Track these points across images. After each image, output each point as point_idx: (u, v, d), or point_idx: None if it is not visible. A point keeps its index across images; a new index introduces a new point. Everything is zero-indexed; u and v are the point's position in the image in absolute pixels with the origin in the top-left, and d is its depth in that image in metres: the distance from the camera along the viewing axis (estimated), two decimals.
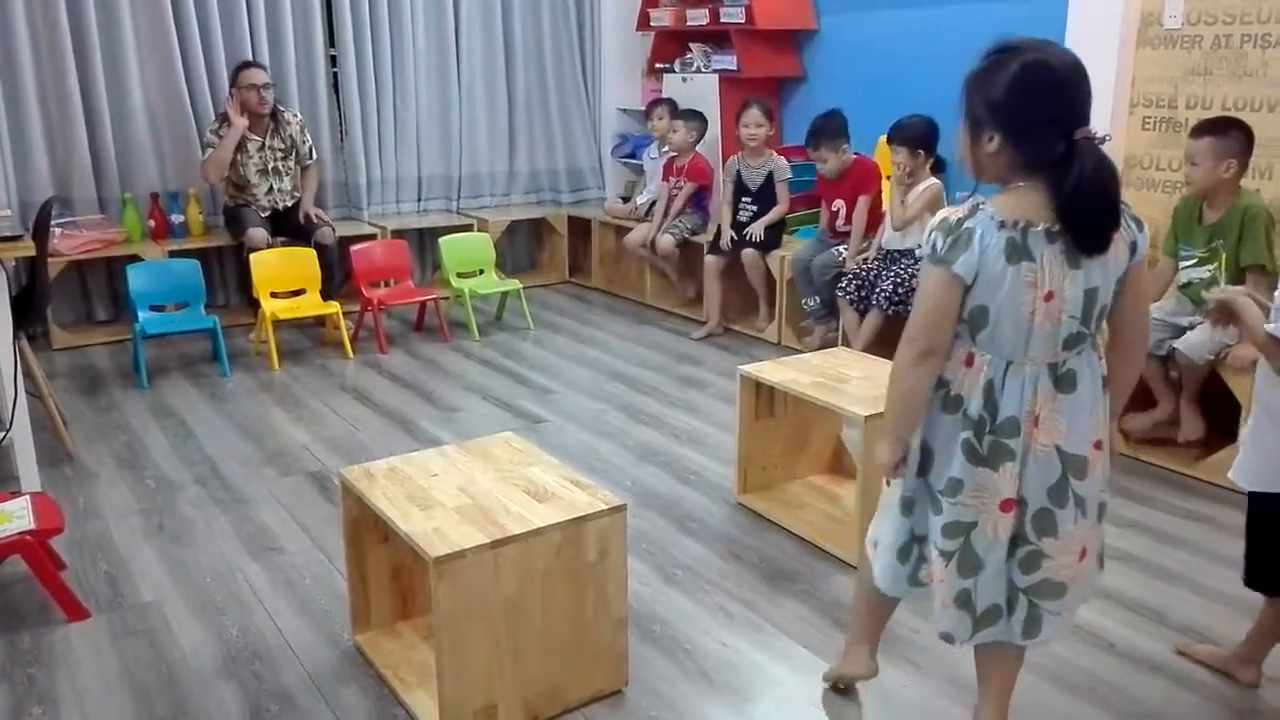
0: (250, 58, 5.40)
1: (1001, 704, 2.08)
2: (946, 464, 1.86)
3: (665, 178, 5.68)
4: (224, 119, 5.14)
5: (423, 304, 5.39)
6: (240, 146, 5.14)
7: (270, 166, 5.27)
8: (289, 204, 5.36)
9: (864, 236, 4.71)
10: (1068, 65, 1.73)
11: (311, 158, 5.40)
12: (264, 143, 5.22)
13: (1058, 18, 4.35)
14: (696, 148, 5.58)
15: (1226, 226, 3.49)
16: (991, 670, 2.07)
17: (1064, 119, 1.71)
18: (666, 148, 5.67)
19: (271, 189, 5.30)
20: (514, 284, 5.49)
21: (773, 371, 3.22)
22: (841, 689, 2.35)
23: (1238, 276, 3.44)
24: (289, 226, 5.30)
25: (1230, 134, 3.46)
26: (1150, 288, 1.76)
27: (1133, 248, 1.78)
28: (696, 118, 5.58)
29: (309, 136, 5.40)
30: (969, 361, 1.82)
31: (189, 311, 4.76)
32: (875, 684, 2.36)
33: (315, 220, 5.29)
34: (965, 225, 1.74)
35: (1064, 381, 1.81)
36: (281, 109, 5.29)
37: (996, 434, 1.81)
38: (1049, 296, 1.73)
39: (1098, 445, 1.87)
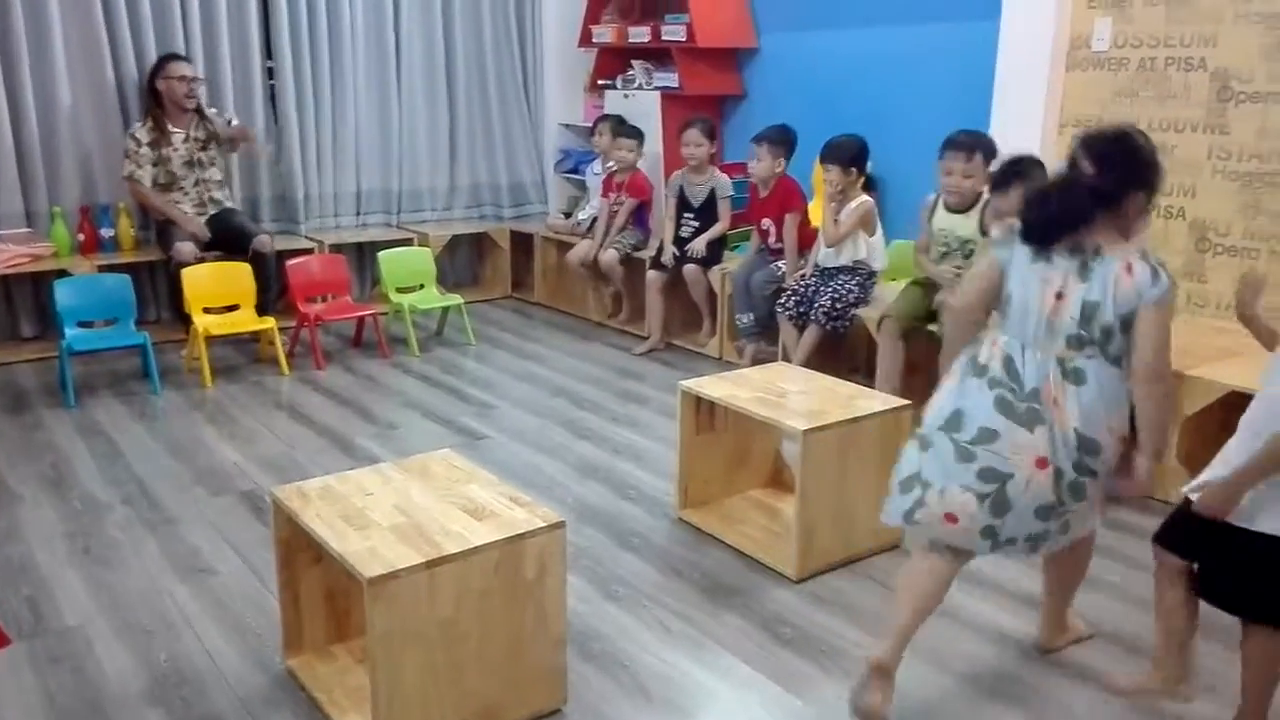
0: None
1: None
2: (975, 417, 2.18)
3: (605, 194, 5.69)
4: (151, 121, 5.03)
5: (361, 319, 5.32)
6: (166, 142, 5.08)
7: (194, 158, 5.20)
8: (219, 199, 5.28)
9: (800, 254, 4.76)
10: None
11: (232, 122, 5.35)
12: (188, 134, 5.15)
13: (990, 41, 4.45)
14: (638, 164, 5.60)
15: None
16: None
17: None
18: (611, 163, 5.68)
19: (199, 181, 5.22)
20: (455, 299, 5.44)
21: (713, 386, 3.23)
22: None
23: None
24: (223, 238, 5.20)
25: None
26: (1161, 335, 2.00)
27: (1140, 293, 2.08)
28: (638, 134, 5.60)
29: (227, 114, 5.39)
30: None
31: (118, 327, 4.64)
32: (812, 695, 2.37)
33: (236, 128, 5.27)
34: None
35: (1070, 375, 2.13)
36: (205, 107, 5.24)
37: (1028, 400, 2.14)
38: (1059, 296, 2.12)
39: (1118, 438, 2.18)
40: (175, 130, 5.09)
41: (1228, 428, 3.61)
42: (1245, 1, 3.84)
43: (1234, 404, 3.40)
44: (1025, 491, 2.16)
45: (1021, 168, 3.38)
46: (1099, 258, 2.11)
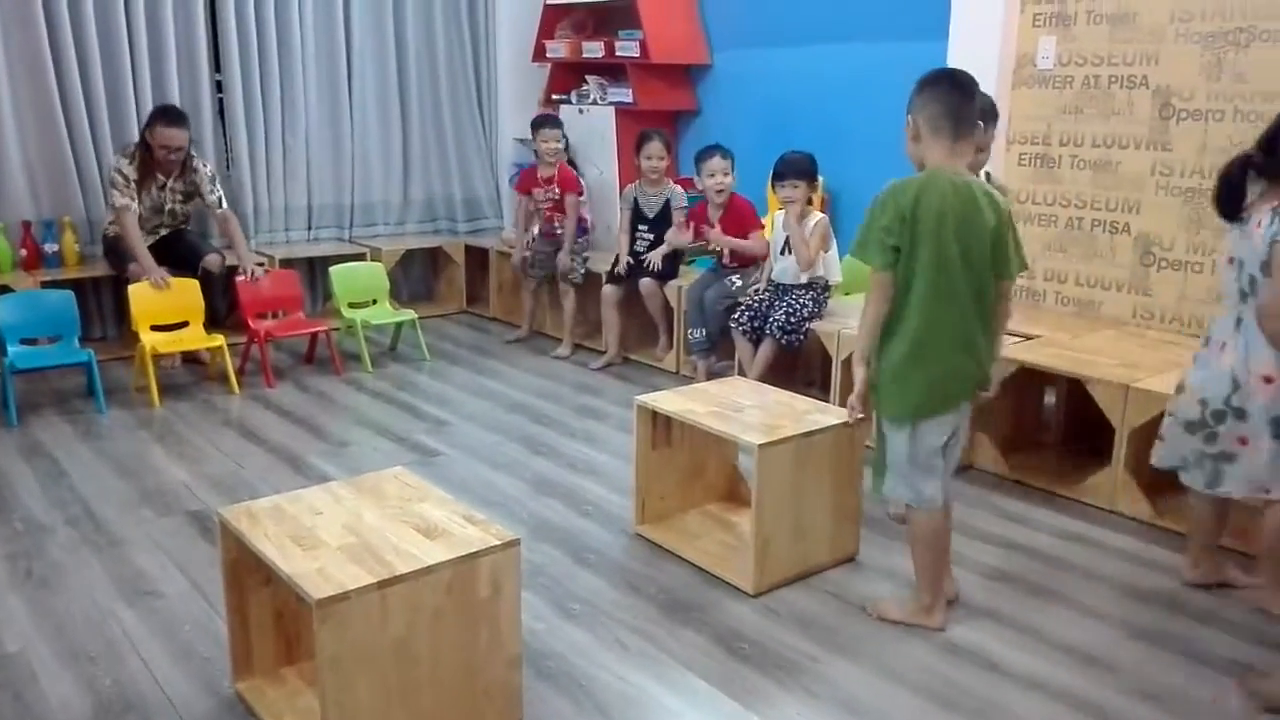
0: (133, 81, 5.28)
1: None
2: None
3: (525, 189, 5.61)
4: (138, 161, 4.91)
5: (313, 336, 5.25)
6: (146, 187, 4.98)
7: (168, 207, 5.12)
8: (172, 230, 5.19)
9: (754, 266, 4.79)
10: None
11: (221, 207, 5.21)
12: (167, 184, 5.05)
13: (939, 59, 4.51)
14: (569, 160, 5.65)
15: None
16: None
17: None
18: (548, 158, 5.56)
19: (161, 223, 5.14)
20: (409, 314, 5.39)
21: (669, 401, 3.23)
22: None
23: None
24: (173, 255, 5.11)
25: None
26: None
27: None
28: (559, 124, 5.58)
29: (218, 188, 5.20)
30: None
31: (62, 345, 4.54)
32: (770, 710, 2.37)
33: (254, 275, 5.07)
34: None
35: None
36: (193, 156, 5.11)
37: None
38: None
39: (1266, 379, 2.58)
40: (158, 176, 5.01)
41: None
42: (1185, 21, 3.94)
43: None
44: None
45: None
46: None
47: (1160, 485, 3.52)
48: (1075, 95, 4.30)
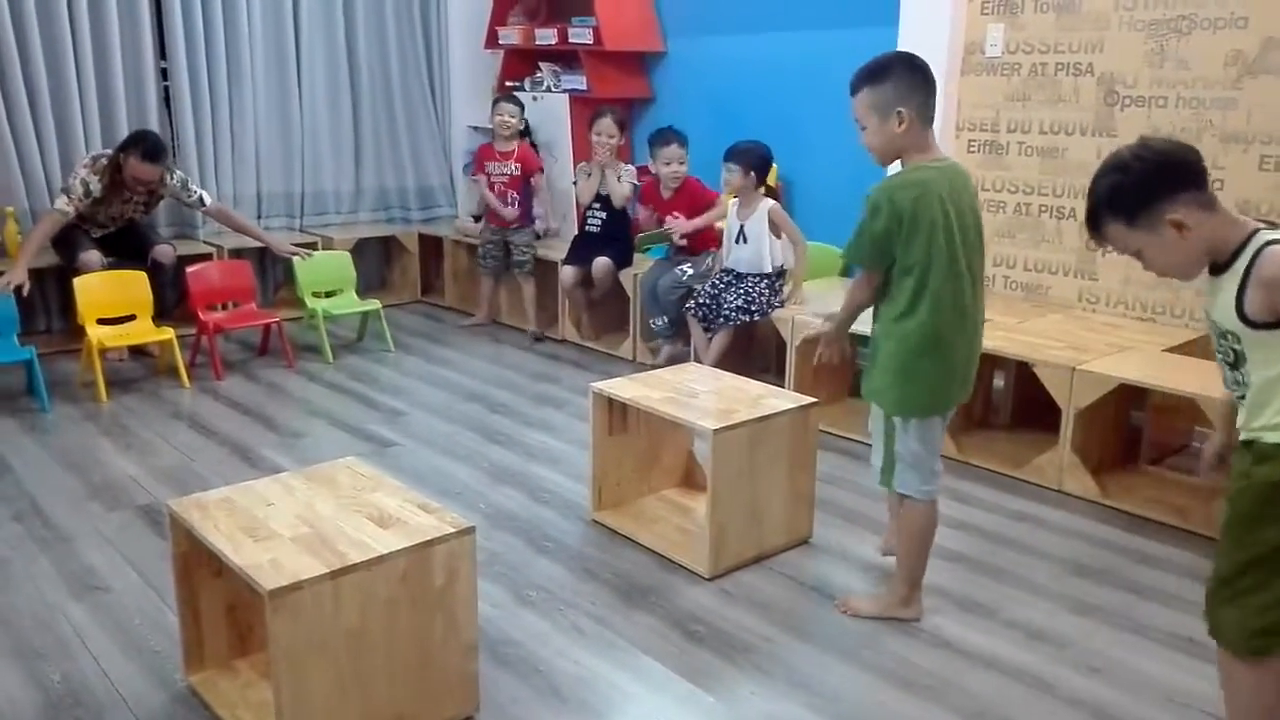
0: (75, 67, 5.16)
1: None
2: None
3: (479, 169, 5.61)
4: (106, 177, 4.80)
5: (266, 327, 5.19)
6: (110, 199, 4.89)
7: (127, 215, 5.04)
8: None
9: (708, 253, 4.81)
10: None
11: (205, 205, 5.14)
12: (132, 198, 4.96)
13: (889, 46, 4.53)
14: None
15: None
16: None
17: None
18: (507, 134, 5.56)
19: (114, 222, 5.05)
20: (373, 304, 5.33)
21: (624, 388, 3.23)
22: None
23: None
24: (122, 246, 5.02)
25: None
26: None
27: None
28: (518, 101, 5.59)
29: (194, 189, 5.12)
30: None
31: (1, 343, 4.41)
32: (724, 691, 2.40)
33: (293, 253, 5.14)
34: None
35: None
36: (165, 171, 4.98)
37: None
38: None
39: None
40: (125, 193, 4.92)
41: (1119, 419, 3.79)
42: (1128, 9, 4.01)
43: (1125, 396, 3.56)
44: None
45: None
46: None
47: (1105, 465, 3.61)
48: (1023, 83, 4.36)
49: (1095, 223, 1.91)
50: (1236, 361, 1.84)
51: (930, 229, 2.40)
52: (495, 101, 5.61)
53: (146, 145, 4.78)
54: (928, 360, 2.50)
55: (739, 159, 4.43)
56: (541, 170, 5.61)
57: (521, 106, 5.58)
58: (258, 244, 5.52)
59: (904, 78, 2.44)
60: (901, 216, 2.40)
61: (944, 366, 2.52)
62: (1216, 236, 1.82)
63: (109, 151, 4.91)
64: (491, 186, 5.54)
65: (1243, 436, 1.89)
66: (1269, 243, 1.75)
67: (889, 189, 2.44)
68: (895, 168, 2.56)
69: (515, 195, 5.53)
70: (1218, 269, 1.84)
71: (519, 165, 5.50)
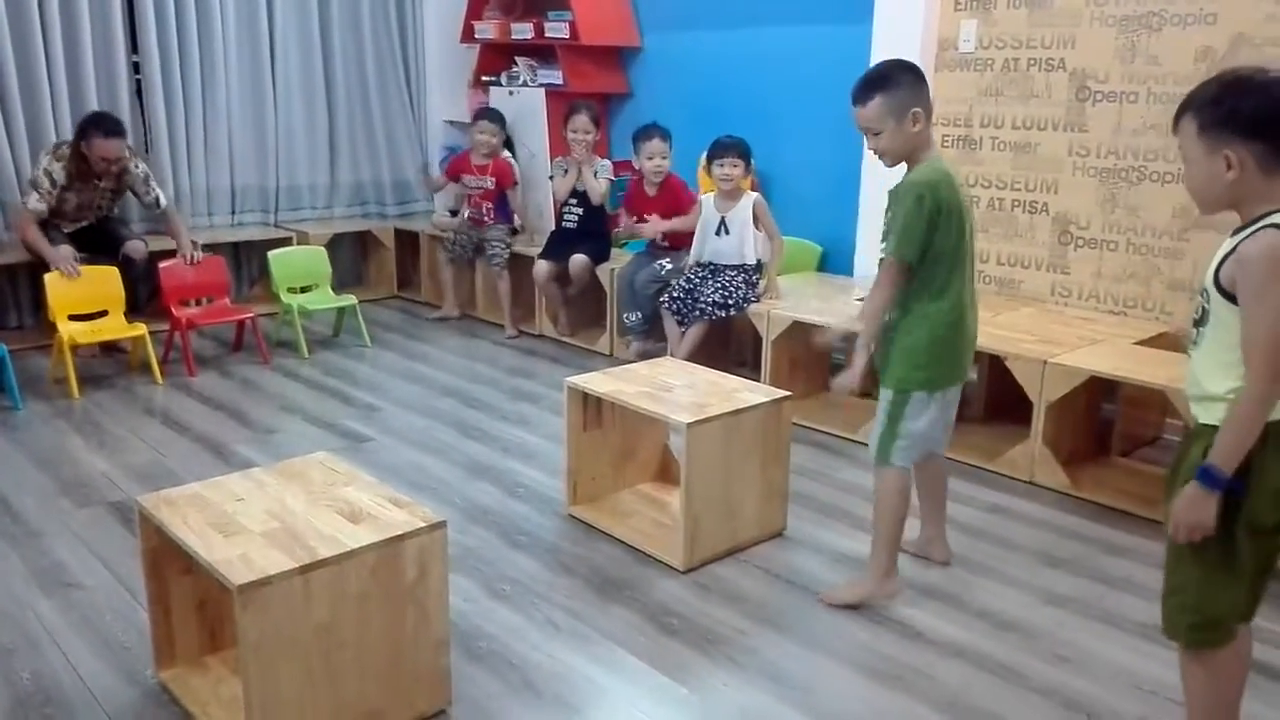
0: (46, 62, 5.11)
1: None
2: None
3: (452, 175, 5.67)
4: (70, 164, 4.77)
5: (240, 323, 5.15)
6: (74, 188, 4.85)
7: (95, 204, 4.99)
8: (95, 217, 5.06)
9: (679, 250, 4.82)
10: None
11: (160, 206, 5.08)
12: (99, 185, 4.92)
13: (864, 42, 4.57)
14: (502, 151, 5.67)
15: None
16: None
17: None
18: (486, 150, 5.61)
19: (84, 216, 5.00)
20: (349, 299, 5.31)
21: (599, 382, 3.24)
22: None
23: None
24: (94, 242, 4.98)
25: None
26: None
27: None
28: (498, 118, 5.64)
29: (154, 187, 5.06)
30: None
31: None
32: (697, 682, 2.41)
33: (192, 260, 4.99)
34: None
35: None
36: (128, 159, 4.94)
37: None
38: None
39: None
40: (91, 180, 4.88)
41: (1089, 412, 3.82)
42: (1100, 5, 4.04)
43: (1096, 389, 3.60)
44: None
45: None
46: None
47: (1076, 457, 3.65)
48: (996, 78, 4.39)
49: (1183, 110, 1.80)
50: (1200, 319, 1.86)
51: (959, 216, 2.54)
52: (475, 118, 5.66)
53: (106, 123, 4.80)
54: (956, 335, 2.65)
55: (737, 153, 4.43)
56: (516, 184, 5.66)
57: (502, 123, 5.62)
58: (232, 240, 5.49)
59: (909, 79, 2.56)
60: (941, 206, 2.51)
61: (964, 339, 2.69)
62: (1250, 199, 1.75)
63: (69, 140, 4.88)
64: (468, 198, 5.60)
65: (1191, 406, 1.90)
66: (1271, 225, 1.71)
67: (927, 183, 2.52)
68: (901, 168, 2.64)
69: (490, 206, 5.59)
70: (1236, 231, 1.78)
71: (494, 179, 5.56)
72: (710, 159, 4.49)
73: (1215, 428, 1.78)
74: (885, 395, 2.71)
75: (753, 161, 4.60)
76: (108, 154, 4.75)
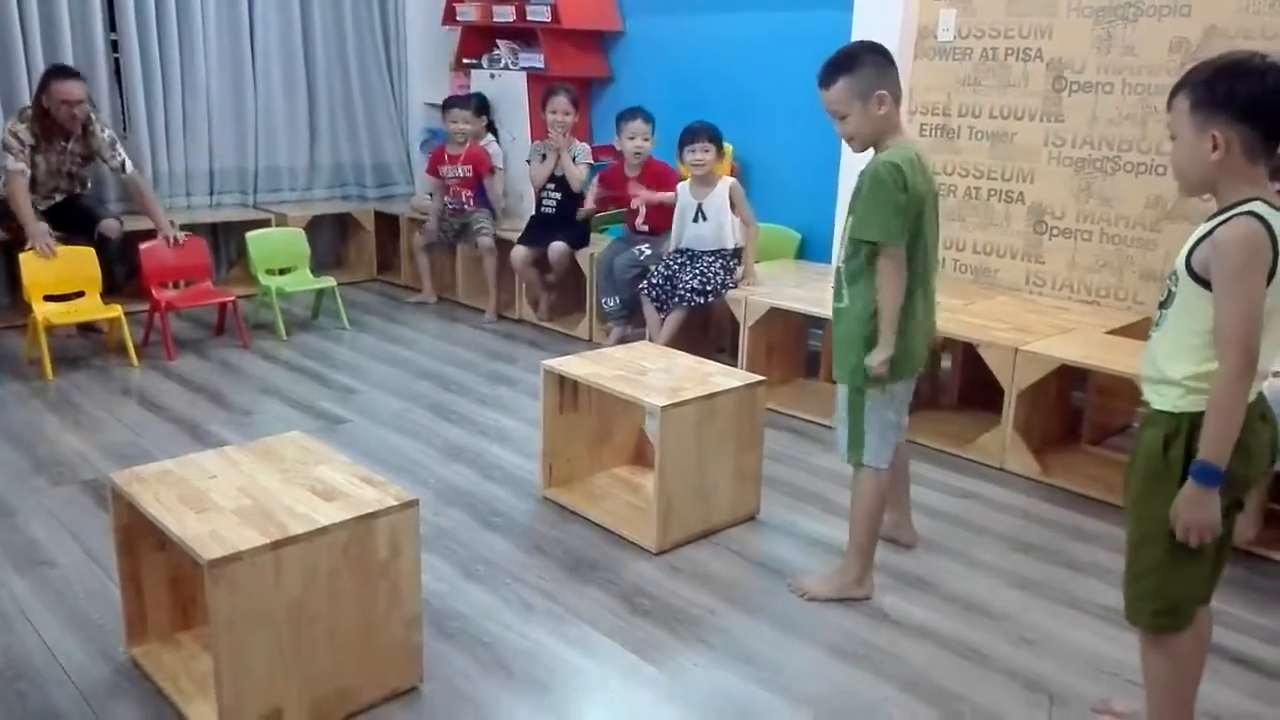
0: (22, 39, 5.07)
1: None
2: None
3: (433, 169, 5.66)
4: (36, 127, 4.72)
5: (222, 306, 5.12)
6: (42, 150, 4.79)
7: (65, 169, 4.94)
8: (68, 195, 5.01)
9: (666, 235, 4.82)
10: None
11: (125, 171, 5.01)
12: (66, 147, 4.86)
13: (844, 29, 4.58)
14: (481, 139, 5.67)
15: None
16: None
17: None
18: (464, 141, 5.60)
19: (58, 187, 4.96)
20: (328, 281, 5.29)
21: (576, 366, 3.25)
22: None
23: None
24: (68, 221, 4.94)
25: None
26: None
27: None
28: (474, 106, 5.63)
29: (121, 151, 5.00)
30: None
31: None
32: (667, 662, 2.43)
33: (176, 241, 4.91)
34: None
35: None
36: (93, 119, 4.89)
37: None
38: None
39: None
40: (57, 140, 4.82)
41: (1060, 399, 3.86)
42: None
43: (1067, 377, 3.64)
44: None
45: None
46: None
47: (1047, 444, 3.69)
48: (974, 67, 4.41)
49: (1179, 87, 1.80)
50: (1166, 300, 1.85)
51: (922, 203, 2.48)
52: (447, 106, 5.62)
53: (61, 68, 4.79)
54: (909, 323, 2.55)
55: (708, 137, 4.44)
56: (493, 171, 5.64)
57: (474, 108, 5.60)
58: (210, 221, 5.45)
59: (875, 61, 2.49)
60: (908, 188, 2.44)
61: (919, 332, 2.59)
62: (1230, 183, 1.75)
63: (29, 103, 4.85)
64: (447, 188, 5.60)
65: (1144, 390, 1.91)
66: (1247, 212, 1.71)
67: (894, 163, 2.45)
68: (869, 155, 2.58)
69: (469, 194, 5.58)
70: (1211, 216, 1.78)
71: (470, 167, 5.55)
72: (681, 145, 4.50)
73: (1168, 414, 1.81)
74: (842, 391, 2.66)
75: (725, 145, 4.61)
76: (68, 96, 4.68)
